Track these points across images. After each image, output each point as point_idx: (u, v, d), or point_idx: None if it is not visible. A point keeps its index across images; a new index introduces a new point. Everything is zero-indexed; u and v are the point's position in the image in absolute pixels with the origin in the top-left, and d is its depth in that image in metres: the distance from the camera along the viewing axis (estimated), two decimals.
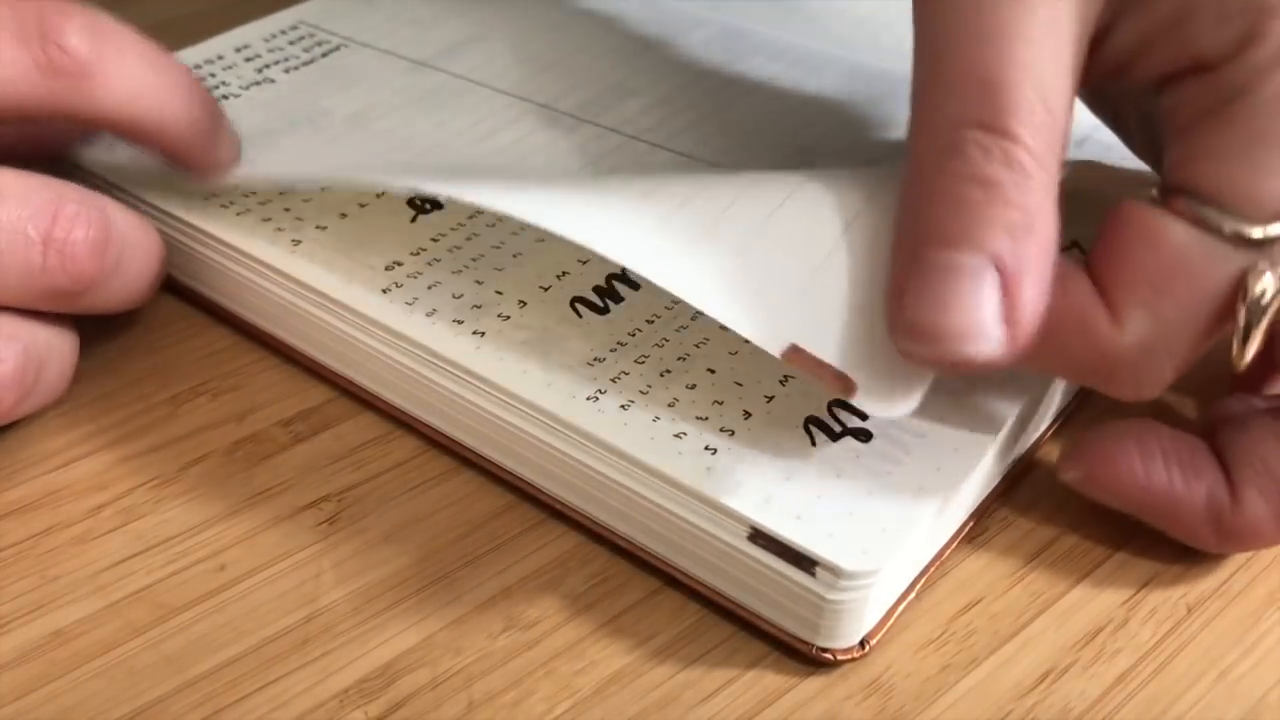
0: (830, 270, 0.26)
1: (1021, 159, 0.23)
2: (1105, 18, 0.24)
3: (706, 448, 0.27)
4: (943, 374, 0.25)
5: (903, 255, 0.24)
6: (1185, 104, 0.24)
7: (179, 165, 0.32)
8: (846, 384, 0.25)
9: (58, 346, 0.29)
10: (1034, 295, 0.23)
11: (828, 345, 0.25)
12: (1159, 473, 0.27)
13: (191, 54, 0.40)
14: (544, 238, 0.30)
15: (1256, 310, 0.23)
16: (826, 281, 0.26)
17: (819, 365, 0.25)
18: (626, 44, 0.41)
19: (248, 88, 0.39)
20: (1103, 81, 0.26)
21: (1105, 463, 0.27)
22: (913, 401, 0.25)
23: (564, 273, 0.31)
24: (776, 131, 0.37)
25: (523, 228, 0.33)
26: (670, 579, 0.28)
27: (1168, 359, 0.24)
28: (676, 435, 0.27)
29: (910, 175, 0.25)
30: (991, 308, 0.23)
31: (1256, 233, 0.23)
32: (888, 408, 0.25)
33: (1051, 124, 0.23)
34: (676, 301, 0.30)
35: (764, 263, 0.26)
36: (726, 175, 0.29)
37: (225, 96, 0.38)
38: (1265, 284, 0.23)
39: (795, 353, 0.25)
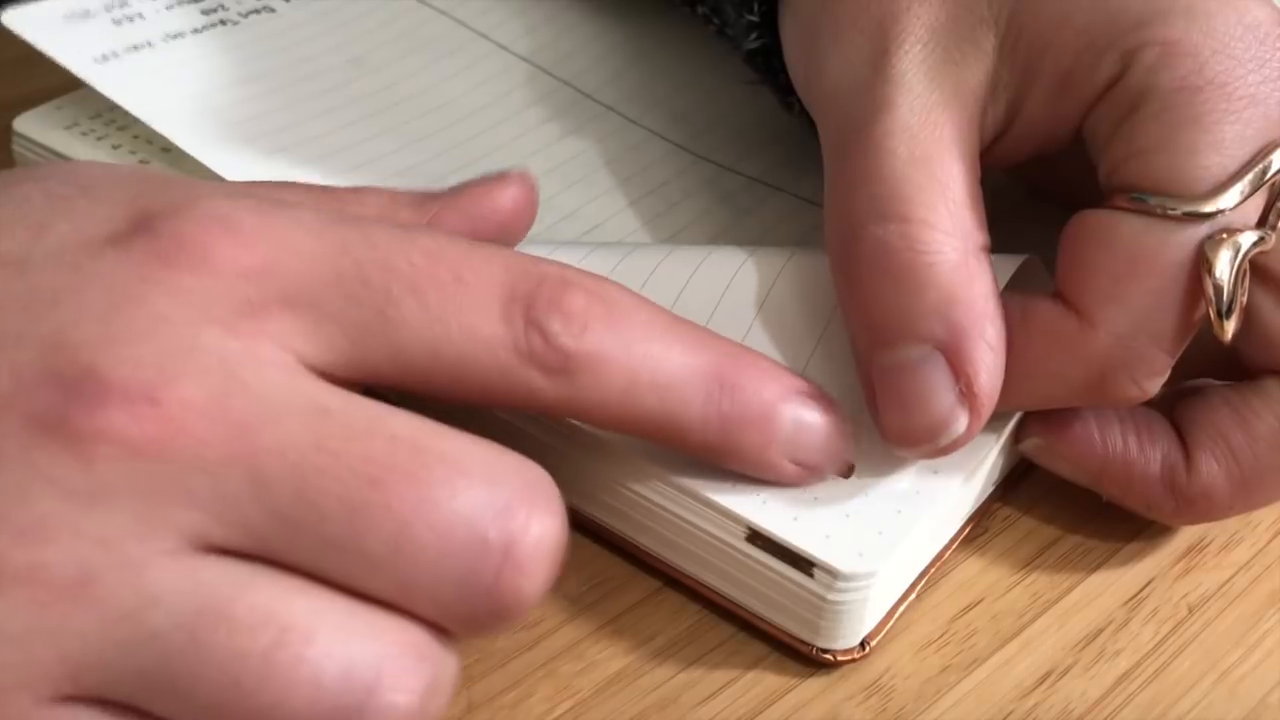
0: (818, 362, 0.27)
1: (921, 236, 0.25)
2: (1001, 109, 0.26)
3: None
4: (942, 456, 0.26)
5: (859, 362, 0.26)
6: (1103, 121, 0.25)
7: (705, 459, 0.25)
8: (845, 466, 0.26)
9: (454, 666, 0.21)
10: (982, 353, 0.25)
11: None
12: (1115, 439, 0.27)
13: None
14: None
15: (1225, 280, 0.24)
16: (816, 374, 0.27)
17: None
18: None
19: (247, 15, 0.38)
20: (1037, 153, 0.27)
21: (1063, 429, 0.28)
22: (909, 471, 0.26)
23: None
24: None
25: None
26: (670, 579, 0.28)
27: (1152, 347, 0.25)
28: None
29: (835, 282, 0.26)
30: (947, 393, 0.25)
31: (1208, 207, 0.24)
32: (886, 482, 0.26)
33: (940, 191, 0.25)
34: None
35: None
36: (707, 264, 0.29)
37: (224, 22, 0.38)
38: (1227, 251, 0.24)
39: None
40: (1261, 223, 0.25)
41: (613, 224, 0.34)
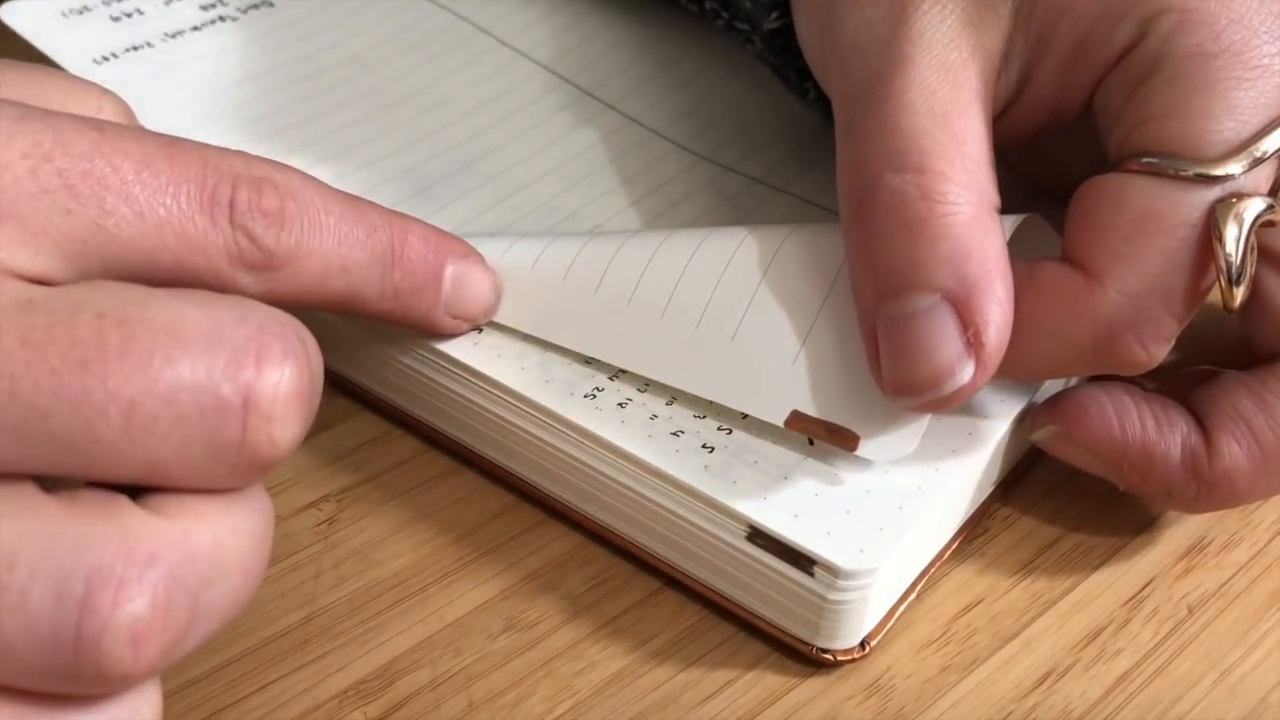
0: (819, 333, 0.27)
1: (938, 187, 0.25)
2: (1014, 76, 0.27)
3: (704, 446, 0.27)
4: (942, 411, 0.26)
5: (863, 315, 0.26)
6: (1115, 91, 0.26)
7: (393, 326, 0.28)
8: (849, 438, 0.26)
9: (230, 550, 0.20)
10: (992, 306, 0.24)
11: (826, 405, 0.26)
12: (1134, 424, 0.27)
13: None
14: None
15: (1234, 244, 0.24)
16: (817, 345, 0.27)
17: (821, 425, 0.26)
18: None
19: (246, 10, 0.38)
20: (1043, 127, 0.28)
21: (1079, 416, 0.27)
22: (913, 443, 0.26)
23: None
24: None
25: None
26: (670, 579, 0.28)
27: (1160, 308, 0.25)
28: (674, 434, 0.27)
29: (846, 235, 0.26)
30: (954, 342, 0.24)
31: (1219, 170, 0.24)
32: (891, 453, 0.26)
33: (957, 146, 0.25)
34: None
35: (755, 341, 0.27)
36: (708, 243, 0.29)
37: (223, 18, 0.38)
38: (1236, 215, 0.24)
39: (797, 418, 0.26)
40: (1273, 192, 0.25)
41: (614, 224, 0.34)
